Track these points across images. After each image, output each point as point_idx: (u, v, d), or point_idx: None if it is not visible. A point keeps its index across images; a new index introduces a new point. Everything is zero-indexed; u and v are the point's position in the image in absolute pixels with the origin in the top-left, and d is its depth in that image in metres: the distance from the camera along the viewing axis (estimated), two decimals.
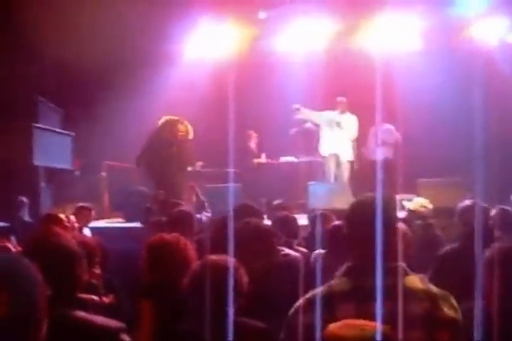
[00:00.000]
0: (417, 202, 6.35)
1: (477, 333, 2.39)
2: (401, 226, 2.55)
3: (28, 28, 8.50)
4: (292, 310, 2.26)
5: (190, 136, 9.37)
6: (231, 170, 10.49)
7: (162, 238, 3.76)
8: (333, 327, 1.80)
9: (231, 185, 8.81)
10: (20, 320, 1.50)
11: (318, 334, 2.07)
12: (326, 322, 2.05)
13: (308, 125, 11.08)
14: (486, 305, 2.96)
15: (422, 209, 6.11)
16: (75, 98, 10.53)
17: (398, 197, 8.64)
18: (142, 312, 3.35)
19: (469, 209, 4.13)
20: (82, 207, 7.51)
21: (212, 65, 11.17)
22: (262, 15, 11.25)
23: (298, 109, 10.22)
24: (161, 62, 11.04)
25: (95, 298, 3.27)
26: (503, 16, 11.04)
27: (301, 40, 11.52)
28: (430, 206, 6.33)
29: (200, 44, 11.58)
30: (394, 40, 11.28)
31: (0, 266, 1.53)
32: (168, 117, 9.42)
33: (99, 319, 2.25)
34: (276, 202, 7.15)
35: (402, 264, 2.24)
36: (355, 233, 2.29)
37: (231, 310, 2.64)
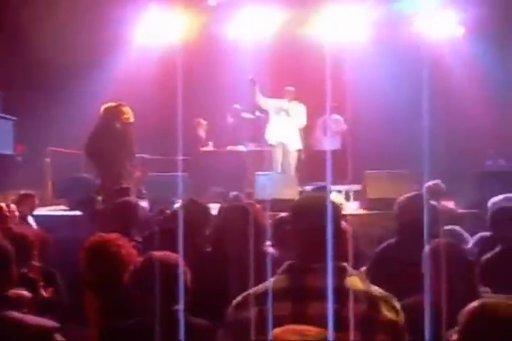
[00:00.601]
0: (334, 197, 6.40)
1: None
2: (344, 224, 2.53)
3: None
4: (232, 305, 2.23)
5: (132, 119, 9.21)
6: (178, 158, 10.39)
7: (100, 238, 3.68)
8: (275, 331, 1.77)
9: (178, 174, 8.70)
10: None
11: (253, 332, 2.05)
12: (264, 319, 2.04)
13: (247, 115, 11.07)
14: (422, 301, 3.00)
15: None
16: (17, 81, 10.25)
17: (344, 187, 8.69)
18: (86, 306, 3.27)
19: (407, 203, 4.07)
20: (25, 194, 7.31)
21: (161, 52, 11.01)
22: (211, 1, 11.13)
23: (254, 82, 9.97)
24: (110, 48, 10.83)
25: (27, 293, 3.16)
26: (451, 11, 11.18)
27: (251, 28, 11.44)
28: (343, 203, 6.41)
29: (149, 30, 11.39)
30: (343, 29, 11.31)
31: None
32: (108, 104, 9.24)
33: (32, 319, 2.17)
34: (232, 193, 7.07)
35: (343, 264, 2.22)
36: (298, 230, 2.26)
37: (178, 308, 2.58)
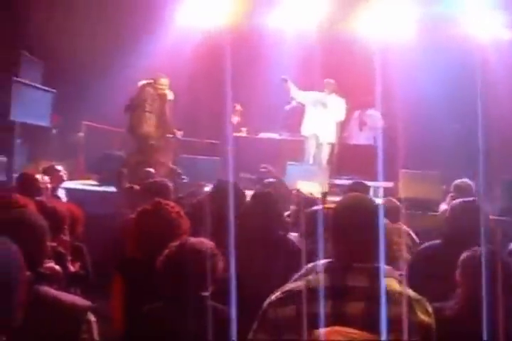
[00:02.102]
0: (310, 187, 6.44)
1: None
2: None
3: None
4: (268, 302, 2.23)
5: (171, 95, 9.21)
6: (212, 141, 10.42)
7: (157, 204, 3.38)
8: (320, 332, 1.76)
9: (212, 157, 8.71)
10: None
11: (292, 330, 2.05)
12: (302, 317, 2.06)
13: (294, 103, 11.00)
14: (457, 306, 2.98)
15: (308, 195, 6.16)
16: (60, 53, 10.26)
17: (376, 184, 8.68)
18: (113, 287, 3.22)
19: (461, 209, 3.98)
20: (51, 167, 7.25)
21: (202, 34, 10.99)
22: None
23: (285, 80, 10.02)
24: (152, 27, 10.81)
25: (58, 268, 3.16)
26: (499, 13, 10.97)
27: (295, 17, 11.34)
28: (317, 195, 6.38)
29: (193, 11, 11.34)
30: (389, 25, 11.16)
31: None
32: (148, 80, 9.26)
33: (66, 296, 2.17)
34: (267, 180, 7.01)
35: (382, 265, 2.22)
36: (340, 230, 2.25)
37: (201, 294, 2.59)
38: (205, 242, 2.72)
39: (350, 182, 8.35)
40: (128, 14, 10.39)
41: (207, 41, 10.44)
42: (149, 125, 8.93)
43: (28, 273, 1.60)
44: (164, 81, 9.08)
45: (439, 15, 10.94)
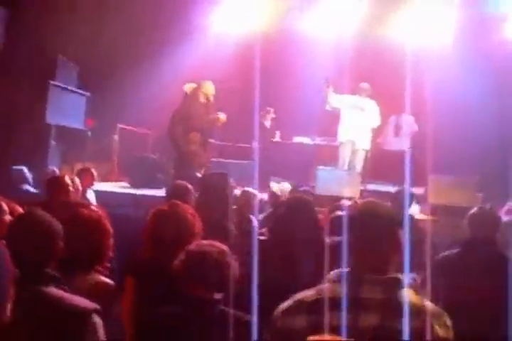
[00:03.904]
0: (281, 188, 6.56)
1: None
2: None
3: None
4: (279, 311, 2.18)
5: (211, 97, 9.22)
6: (244, 145, 10.42)
7: (171, 206, 3.38)
8: (311, 339, 1.72)
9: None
10: None
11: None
12: (313, 328, 2.02)
13: (328, 108, 10.88)
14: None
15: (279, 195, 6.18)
16: (95, 57, 10.41)
17: (410, 189, 8.53)
18: (125, 290, 3.22)
19: (476, 216, 3.98)
20: (85, 169, 7.40)
21: (237, 39, 10.99)
22: None
23: (327, 84, 9.70)
24: (187, 34, 10.88)
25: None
26: None
27: (330, 20, 11.27)
28: (286, 195, 6.37)
29: (227, 18, 11.37)
30: (426, 31, 10.98)
31: None
32: (192, 84, 9.17)
33: (71, 298, 2.16)
34: (303, 188, 6.94)
35: (399, 276, 2.15)
36: (354, 240, 2.17)
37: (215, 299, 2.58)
38: (217, 244, 2.70)
39: (382, 188, 8.28)
40: (164, 20, 10.48)
41: (241, 47, 10.44)
42: (195, 143, 8.91)
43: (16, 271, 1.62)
44: (210, 88, 9.03)
45: (478, 17, 10.73)
